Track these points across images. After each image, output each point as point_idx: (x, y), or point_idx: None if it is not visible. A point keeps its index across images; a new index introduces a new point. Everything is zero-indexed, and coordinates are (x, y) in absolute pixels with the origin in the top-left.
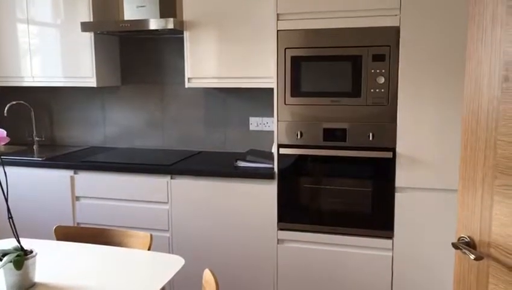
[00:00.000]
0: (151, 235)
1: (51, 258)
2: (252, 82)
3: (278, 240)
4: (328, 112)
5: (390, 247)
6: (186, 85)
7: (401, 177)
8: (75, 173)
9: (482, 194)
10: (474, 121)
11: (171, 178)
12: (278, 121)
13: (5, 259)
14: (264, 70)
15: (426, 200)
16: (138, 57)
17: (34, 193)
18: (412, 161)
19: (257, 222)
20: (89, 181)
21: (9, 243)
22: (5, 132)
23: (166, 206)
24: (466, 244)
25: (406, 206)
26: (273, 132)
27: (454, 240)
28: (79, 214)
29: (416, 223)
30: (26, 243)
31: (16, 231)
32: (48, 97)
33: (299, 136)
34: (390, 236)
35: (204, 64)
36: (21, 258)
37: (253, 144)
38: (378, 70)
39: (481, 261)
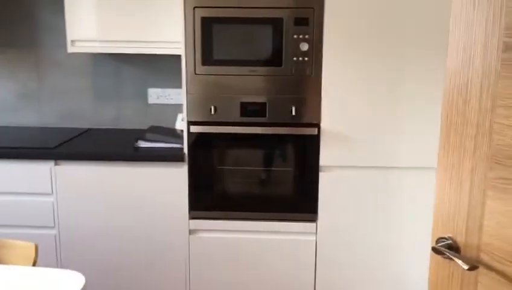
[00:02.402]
0: (36, 246)
1: None
2: (152, 47)
3: (189, 230)
4: (246, 84)
5: (314, 231)
6: (69, 50)
7: (326, 156)
8: None
9: (470, 188)
10: (460, 99)
11: (55, 164)
12: (187, 94)
13: None
14: (168, 34)
15: (351, 179)
16: (4, 13)
17: None
18: (338, 137)
19: (164, 211)
20: None
21: None
22: None
23: (51, 198)
24: (448, 247)
25: (330, 186)
26: (176, 105)
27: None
28: None
29: (341, 204)
30: None
31: None
32: None
33: (212, 112)
34: (314, 219)
35: (92, 24)
36: None
37: (153, 119)
38: (301, 36)
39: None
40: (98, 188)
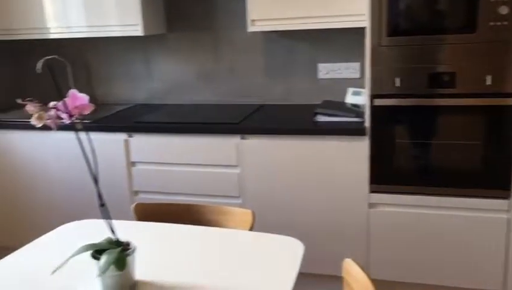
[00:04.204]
0: (252, 213)
1: (140, 245)
2: (333, 22)
3: (369, 204)
4: (434, 53)
5: (506, 208)
6: (249, 29)
7: None
8: (129, 136)
9: None
10: None
11: (242, 138)
12: (371, 66)
13: (104, 260)
14: (349, 7)
15: None
16: (186, 0)
17: (82, 160)
18: None
19: (344, 184)
20: (146, 144)
21: (84, 228)
22: (87, 97)
23: (237, 170)
24: None
25: None
26: (345, 79)
27: None
28: (136, 181)
29: None
30: (103, 225)
31: (110, 222)
32: (85, 50)
33: (397, 84)
34: (506, 196)
35: (271, 3)
36: (122, 256)
37: (323, 94)
38: None
39: None
40: (280, 161)
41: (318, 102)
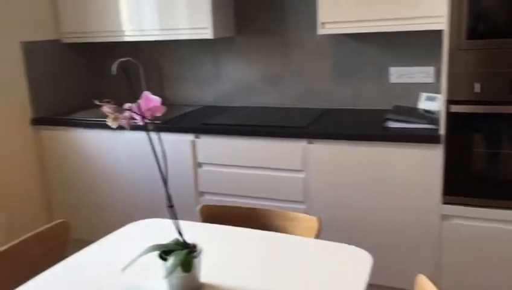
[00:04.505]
0: (318, 219)
1: (206, 247)
2: (407, 24)
3: (442, 215)
4: None
5: None
6: (319, 31)
7: None
8: (196, 137)
9: None
10: None
11: (308, 142)
12: (448, 71)
13: (171, 261)
14: (425, 9)
15: None
16: (256, 2)
17: (151, 160)
18: None
19: (415, 194)
20: (212, 146)
21: (153, 227)
22: (159, 100)
23: (302, 175)
24: None
25: None
26: (417, 84)
27: None
28: (202, 182)
29: None
30: (170, 226)
31: (178, 224)
32: (156, 52)
33: (476, 89)
34: None
35: (343, 5)
36: (189, 258)
37: (393, 99)
38: None
39: None
40: (347, 167)
41: (388, 107)
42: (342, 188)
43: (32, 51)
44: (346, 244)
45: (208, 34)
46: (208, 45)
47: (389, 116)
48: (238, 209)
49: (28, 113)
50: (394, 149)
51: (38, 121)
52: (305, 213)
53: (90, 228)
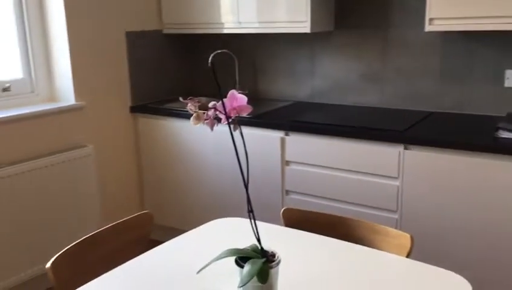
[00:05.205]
0: (411, 238)
1: (286, 254)
2: None
3: None
4: None
5: None
6: (426, 28)
7: None
8: (286, 135)
9: None
10: None
11: (405, 148)
12: None
13: (246, 270)
14: None
15: None
16: None
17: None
18: None
19: None
20: (302, 144)
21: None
22: (245, 99)
23: (396, 182)
24: None
25: None
26: None
27: None
28: (288, 181)
29: None
30: (248, 228)
31: (256, 228)
32: (252, 46)
33: None
34: None
35: (456, 0)
36: (266, 268)
37: (507, 105)
38: None
39: None
40: (448, 178)
41: (501, 114)
42: (439, 200)
43: (135, 41)
44: (443, 269)
45: (306, 28)
46: (305, 39)
47: (501, 124)
48: (323, 216)
49: (127, 101)
50: (505, 163)
51: (136, 108)
52: (397, 223)
53: (177, 215)
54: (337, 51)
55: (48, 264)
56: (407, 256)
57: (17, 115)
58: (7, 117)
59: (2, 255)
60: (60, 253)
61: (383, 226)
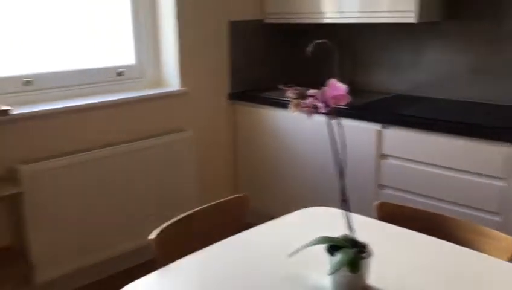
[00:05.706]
0: None
1: (378, 248)
2: None
3: None
4: None
5: None
6: None
7: None
8: (383, 128)
9: None
10: None
11: None
12: None
13: (337, 258)
14: None
15: None
16: None
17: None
18: None
19: None
20: (400, 139)
21: (325, 216)
22: (345, 88)
23: (500, 183)
24: None
25: None
26: None
27: None
28: (383, 174)
29: None
30: (338, 218)
31: (350, 219)
32: (353, 36)
33: None
34: None
35: None
36: (357, 259)
37: None
38: None
39: None
40: None
41: None
42: None
43: (237, 30)
44: None
45: (411, 17)
46: (409, 30)
47: None
48: (420, 212)
49: (227, 88)
50: None
51: (234, 95)
52: (500, 226)
53: (270, 201)
54: (445, 43)
55: (153, 235)
56: (510, 260)
57: (128, 98)
58: (121, 100)
59: (110, 226)
60: (163, 226)
61: (486, 228)
